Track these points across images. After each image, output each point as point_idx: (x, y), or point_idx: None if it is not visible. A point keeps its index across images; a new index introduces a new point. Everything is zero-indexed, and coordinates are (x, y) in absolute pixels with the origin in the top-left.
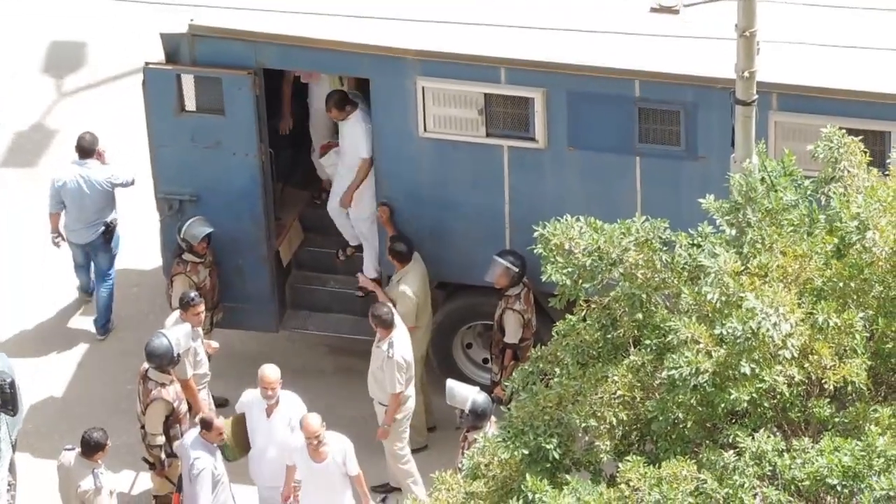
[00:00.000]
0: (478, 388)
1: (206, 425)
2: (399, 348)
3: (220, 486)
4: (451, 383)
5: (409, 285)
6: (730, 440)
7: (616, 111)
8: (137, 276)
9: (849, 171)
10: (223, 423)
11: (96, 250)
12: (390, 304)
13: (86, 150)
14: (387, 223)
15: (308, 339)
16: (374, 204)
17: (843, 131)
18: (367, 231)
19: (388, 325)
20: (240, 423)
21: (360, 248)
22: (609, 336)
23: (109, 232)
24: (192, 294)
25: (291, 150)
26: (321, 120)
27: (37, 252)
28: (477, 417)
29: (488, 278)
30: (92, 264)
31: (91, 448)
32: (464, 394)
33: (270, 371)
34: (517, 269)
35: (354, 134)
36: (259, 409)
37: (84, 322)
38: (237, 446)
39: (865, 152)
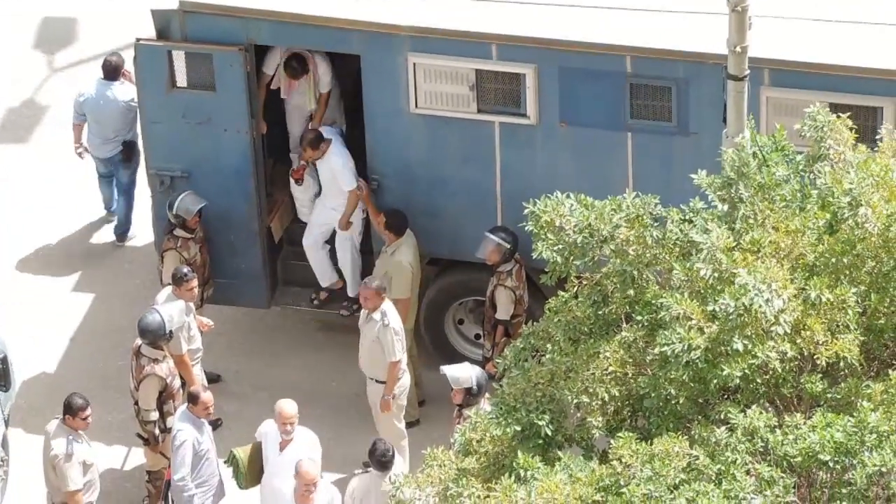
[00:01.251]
0: (473, 366)
1: (193, 399)
2: (392, 316)
3: (205, 462)
4: (447, 370)
5: (404, 255)
6: (722, 416)
7: (607, 87)
8: (129, 252)
9: (835, 150)
10: (210, 398)
11: (116, 166)
12: (380, 279)
13: (111, 70)
14: (367, 199)
15: (299, 315)
16: (361, 226)
17: (828, 109)
18: (351, 254)
19: (378, 297)
20: (257, 451)
21: (330, 290)
22: (601, 312)
23: (129, 150)
24: (185, 269)
25: (283, 126)
26: (297, 119)
27: (29, 225)
28: (470, 394)
29: (480, 255)
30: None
31: (69, 410)
32: (465, 374)
33: (288, 406)
34: (508, 246)
35: (334, 170)
36: (273, 441)
37: (77, 297)
38: (250, 474)
39: (852, 129)
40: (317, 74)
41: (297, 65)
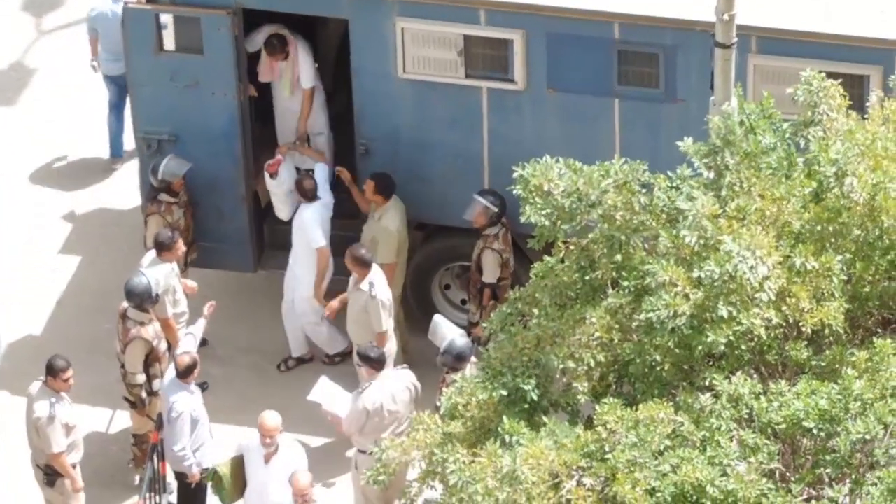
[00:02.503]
0: (462, 332)
1: (187, 372)
2: (379, 287)
3: (199, 426)
4: (438, 319)
5: (391, 221)
6: (707, 383)
7: (595, 53)
8: (116, 215)
9: (828, 115)
10: (197, 359)
11: (124, 92)
12: (367, 246)
13: None
14: (350, 183)
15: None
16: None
17: (823, 75)
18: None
19: (366, 265)
20: (239, 467)
21: (301, 359)
22: (587, 278)
23: None
24: (169, 233)
25: (270, 90)
26: (285, 119)
27: (15, 189)
28: (456, 359)
29: (467, 217)
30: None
31: (50, 372)
32: (444, 333)
33: (270, 419)
34: (496, 209)
35: (304, 227)
36: (258, 454)
37: (64, 260)
38: (234, 489)
39: (844, 96)
40: (297, 65)
41: (276, 42)
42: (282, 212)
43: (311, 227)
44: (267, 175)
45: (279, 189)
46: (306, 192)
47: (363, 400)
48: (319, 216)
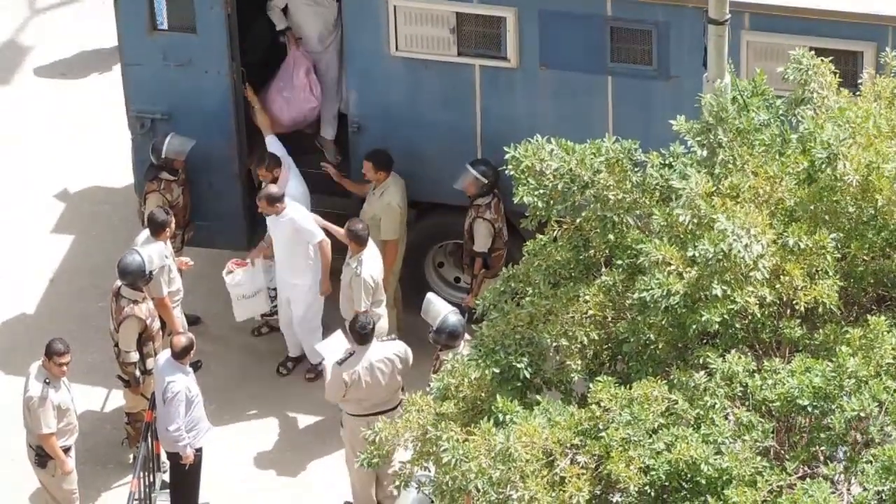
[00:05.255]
0: (454, 309)
1: (183, 353)
2: (367, 267)
3: (194, 405)
4: (430, 296)
5: (393, 196)
6: (701, 361)
7: (588, 30)
8: (108, 193)
9: (818, 93)
10: (194, 340)
11: None
12: (365, 222)
13: None
14: (339, 178)
15: None
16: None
17: (812, 52)
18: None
19: (361, 242)
20: None
21: (298, 359)
22: (581, 257)
23: None
24: (164, 214)
25: (265, 67)
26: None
27: (8, 167)
28: (449, 337)
29: (457, 186)
30: None
31: (47, 353)
32: (438, 310)
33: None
34: (486, 181)
35: (295, 227)
36: None
37: (57, 237)
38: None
39: (835, 73)
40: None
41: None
42: (236, 312)
43: (303, 229)
44: (224, 271)
45: (232, 289)
46: (275, 204)
47: (342, 370)
48: (303, 213)
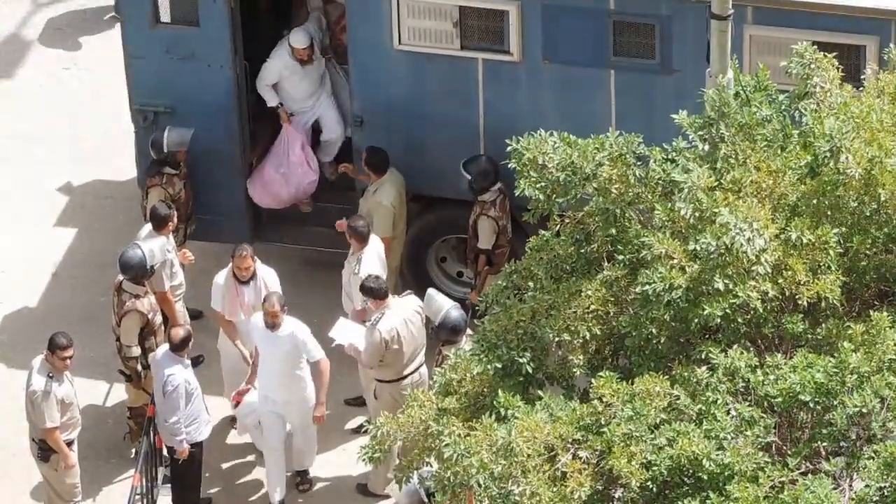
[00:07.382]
0: (456, 304)
1: (182, 345)
2: (365, 266)
3: (193, 398)
4: (432, 292)
5: (385, 195)
6: (703, 356)
7: (591, 24)
8: (111, 187)
9: (821, 87)
10: (192, 332)
11: None
12: (366, 219)
13: None
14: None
15: (282, 251)
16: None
17: (815, 47)
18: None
19: (362, 239)
20: None
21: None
22: (583, 251)
23: None
24: (166, 209)
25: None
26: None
27: (10, 160)
28: (451, 332)
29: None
30: None
31: (49, 346)
32: (439, 305)
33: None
34: (469, 178)
35: (298, 340)
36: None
37: (59, 231)
38: None
39: (838, 68)
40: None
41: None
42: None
43: (309, 339)
44: (232, 405)
45: (246, 419)
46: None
47: (379, 330)
48: (303, 327)
